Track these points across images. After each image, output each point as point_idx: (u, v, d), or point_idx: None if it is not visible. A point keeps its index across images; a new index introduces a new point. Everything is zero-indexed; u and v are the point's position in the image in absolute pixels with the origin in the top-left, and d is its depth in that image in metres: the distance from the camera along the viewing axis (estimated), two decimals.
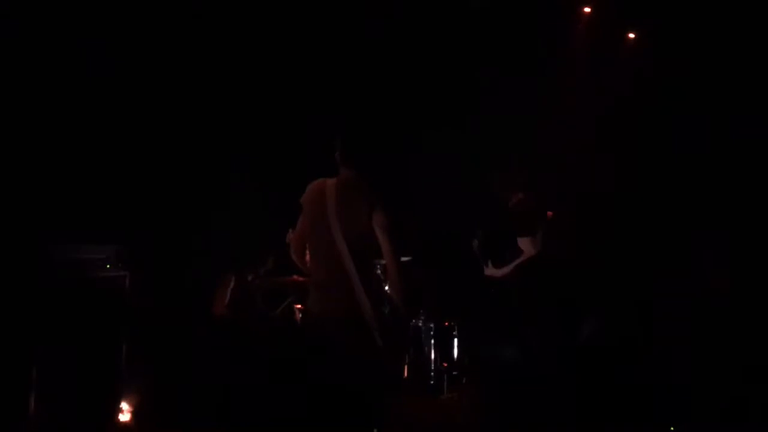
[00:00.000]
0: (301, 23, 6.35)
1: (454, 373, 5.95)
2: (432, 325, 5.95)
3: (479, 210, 6.07)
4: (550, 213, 5.76)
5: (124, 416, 5.12)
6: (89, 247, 4.88)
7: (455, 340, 6.04)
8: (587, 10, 7.28)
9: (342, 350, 3.77)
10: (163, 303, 5.61)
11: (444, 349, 5.99)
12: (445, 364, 5.97)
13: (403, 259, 4.92)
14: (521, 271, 5.56)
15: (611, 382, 5.13)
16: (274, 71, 6.38)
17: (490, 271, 5.69)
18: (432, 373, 5.90)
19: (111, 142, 5.60)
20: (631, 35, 7.42)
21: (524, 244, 5.53)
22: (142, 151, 5.78)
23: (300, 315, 5.63)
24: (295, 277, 5.49)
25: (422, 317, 5.96)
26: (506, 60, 6.80)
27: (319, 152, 4.15)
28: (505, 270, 5.61)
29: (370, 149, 3.90)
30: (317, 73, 6.47)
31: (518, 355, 5.47)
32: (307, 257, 4.11)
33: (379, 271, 5.44)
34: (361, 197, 3.76)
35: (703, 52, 6.74)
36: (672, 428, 5.00)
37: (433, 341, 5.93)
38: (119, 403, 4.99)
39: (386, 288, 5.08)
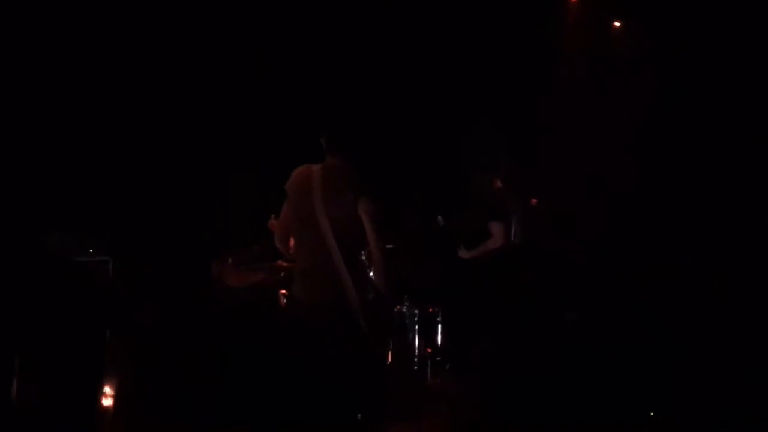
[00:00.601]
0: (288, 12, 6.32)
1: (438, 359, 5.97)
2: (416, 311, 5.96)
3: (455, 192, 6.13)
4: (534, 200, 5.80)
5: (108, 401, 5.11)
6: (71, 232, 4.85)
7: (439, 327, 6.06)
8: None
9: (327, 336, 3.79)
10: (148, 289, 5.59)
11: (428, 336, 6.01)
12: (429, 350, 5.99)
13: (387, 246, 4.95)
14: (491, 256, 5.63)
15: (596, 372, 5.17)
16: (260, 58, 6.35)
17: (461, 253, 5.79)
18: (416, 359, 5.92)
19: (95, 128, 5.57)
20: (618, 23, 7.43)
21: (495, 229, 5.59)
22: (126, 137, 5.75)
23: (285, 301, 5.63)
24: (279, 262, 5.48)
25: (406, 303, 5.98)
26: (497, 50, 6.80)
27: (307, 138, 4.14)
28: (474, 253, 5.69)
29: (357, 136, 3.90)
30: (306, 61, 6.44)
31: (502, 343, 5.51)
32: (291, 243, 4.11)
33: (363, 257, 5.46)
34: (348, 184, 3.77)
35: (695, 44, 6.75)
36: (651, 413, 5.05)
37: (417, 327, 5.95)
38: (103, 388, 4.98)
39: (371, 274, 5.10)
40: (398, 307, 5.96)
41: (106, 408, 5.04)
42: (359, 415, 4.88)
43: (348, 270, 3.76)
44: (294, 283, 3.99)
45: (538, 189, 5.90)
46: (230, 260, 5.60)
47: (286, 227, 4.04)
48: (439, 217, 5.88)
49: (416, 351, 5.93)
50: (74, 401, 4.55)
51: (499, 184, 5.77)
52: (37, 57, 5.41)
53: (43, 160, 5.41)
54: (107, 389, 5.04)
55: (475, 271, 5.83)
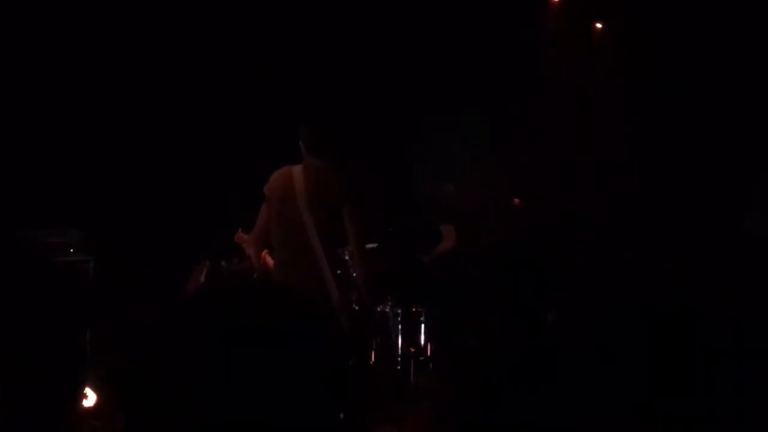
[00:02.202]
0: (267, 9, 6.31)
1: (421, 358, 5.98)
2: (399, 311, 5.96)
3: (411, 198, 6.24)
4: (517, 201, 5.85)
5: (89, 402, 5.09)
6: (53, 231, 4.82)
7: (422, 326, 6.06)
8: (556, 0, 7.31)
9: (308, 335, 3.80)
10: (128, 288, 5.57)
11: (411, 335, 6.01)
12: (412, 350, 6.00)
13: (369, 246, 4.97)
14: (443, 257, 5.88)
15: (575, 367, 5.18)
16: (240, 60, 6.33)
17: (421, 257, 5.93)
18: (399, 359, 5.92)
19: (77, 127, 5.54)
20: (599, 25, 7.45)
21: (445, 231, 5.89)
22: (108, 135, 5.72)
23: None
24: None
25: (389, 303, 5.98)
26: (476, 53, 6.81)
27: (288, 139, 4.14)
28: (430, 256, 5.94)
29: (335, 138, 3.91)
30: (285, 64, 6.43)
31: (484, 342, 5.53)
32: (264, 254, 4.11)
33: (347, 257, 5.46)
34: (331, 184, 3.81)
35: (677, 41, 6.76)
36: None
37: (400, 327, 5.95)
38: (83, 389, 4.95)
39: (353, 274, 5.09)
40: (381, 306, 5.96)
41: (88, 409, 5.01)
42: (342, 415, 4.88)
43: (332, 269, 3.78)
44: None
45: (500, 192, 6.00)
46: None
47: (264, 231, 4.02)
48: (404, 222, 6.02)
49: (399, 351, 5.93)
50: (54, 401, 4.52)
51: (451, 188, 5.94)
52: (21, 56, 5.37)
53: (26, 158, 5.37)
54: (88, 390, 5.02)
55: (459, 269, 5.89)
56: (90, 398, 5.11)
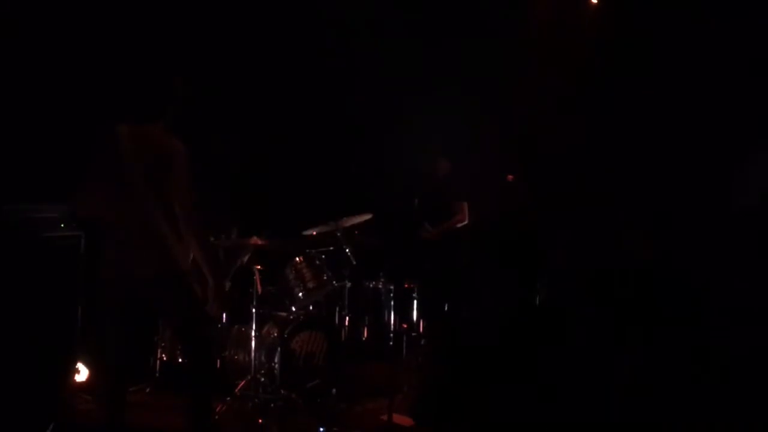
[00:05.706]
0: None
1: (413, 334, 5.99)
2: (391, 288, 5.96)
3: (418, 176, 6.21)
4: (510, 177, 5.84)
5: (80, 377, 5.10)
6: (42, 206, 4.77)
7: (414, 302, 6.07)
8: None
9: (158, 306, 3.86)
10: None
11: (403, 311, 6.02)
12: (405, 326, 6.00)
13: (366, 217, 4.93)
14: (452, 233, 5.90)
15: (566, 343, 5.19)
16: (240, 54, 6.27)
17: (426, 232, 5.91)
18: (391, 335, 5.93)
19: (65, 99, 5.49)
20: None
21: (460, 207, 5.92)
22: (99, 110, 5.66)
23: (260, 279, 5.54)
24: (254, 238, 5.44)
25: (382, 279, 5.98)
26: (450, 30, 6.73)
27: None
28: (439, 230, 5.90)
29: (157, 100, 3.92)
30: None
31: (476, 316, 5.54)
32: None
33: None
34: (158, 143, 3.79)
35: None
36: None
37: (392, 303, 5.95)
38: (75, 364, 4.95)
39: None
40: (374, 283, 5.96)
41: (80, 384, 5.02)
42: (334, 391, 4.90)
43: (170, 234, 3.70)
44: (108, 253, 3.89)
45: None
46: None
47: None
48: (416, 200, 6.03)
49: (391, 327, 5.93)
50: (46, 377, 4.51)
51: (446, 164, 5.94)
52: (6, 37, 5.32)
53: (15, 132, 5.32)
54: (80, 365, 5.03)
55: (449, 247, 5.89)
56: (82, 373, 5.12)
